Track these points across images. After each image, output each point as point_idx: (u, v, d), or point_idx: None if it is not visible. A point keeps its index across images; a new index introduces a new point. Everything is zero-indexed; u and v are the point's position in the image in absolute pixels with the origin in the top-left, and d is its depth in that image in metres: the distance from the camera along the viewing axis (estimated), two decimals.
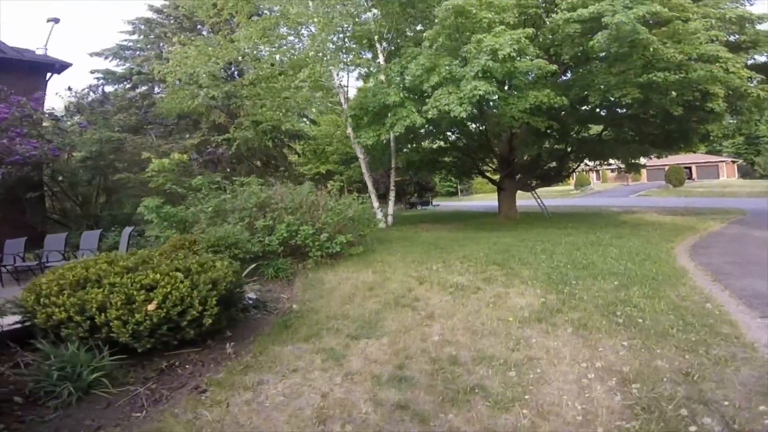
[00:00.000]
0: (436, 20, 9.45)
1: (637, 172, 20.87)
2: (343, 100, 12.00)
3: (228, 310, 4.21)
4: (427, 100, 9.22)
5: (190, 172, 10.23)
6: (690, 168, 45.43)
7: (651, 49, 9.63)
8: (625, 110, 14.22)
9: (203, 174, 10.74)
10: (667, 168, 39.36)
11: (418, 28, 11.35)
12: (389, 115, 9.60)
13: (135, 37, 16.60)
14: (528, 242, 9.03)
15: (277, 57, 11.51)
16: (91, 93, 11.96)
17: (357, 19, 11.81)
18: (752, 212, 16.76)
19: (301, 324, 4.72)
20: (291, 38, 11.75)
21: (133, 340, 3.52)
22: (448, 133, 15.86)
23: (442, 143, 17.33)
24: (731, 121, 14.39)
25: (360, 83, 13.74)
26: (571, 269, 6.45)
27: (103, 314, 3.47)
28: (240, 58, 11.65)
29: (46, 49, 11.51)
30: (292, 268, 7.19)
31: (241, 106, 12.47)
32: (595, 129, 16.85)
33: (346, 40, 12.35)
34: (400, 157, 16.96)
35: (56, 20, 11.52)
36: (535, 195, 16.03)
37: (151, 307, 3.42)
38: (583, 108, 14.60)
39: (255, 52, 11.31)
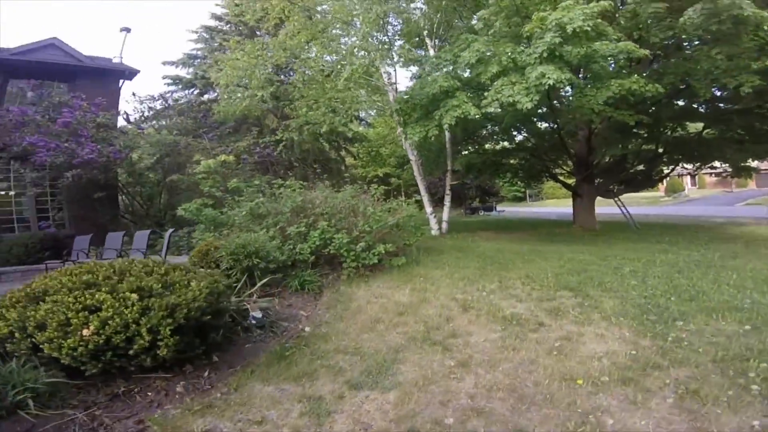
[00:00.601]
0: (491, 0, 8.07)
1: (747, 176, 17.19)
2: (392, 99, 11.00)
3: (205, 336, 3.37)
4: (485, 93, 7.85)
5: (240, 175, 9.90)
6: None
7: (765, 28, 7.46)
8: (730, 105, 11.53)
9: (254, 177, 10.37)
10: None
11: (473, 22, 10.04)
12: (439, 106, 8.36)
13: (200, 45, 17.19)
14: (611, 260, 7.24)
15: (327, 57, 10.85)
16: (155, 99, 12.37)
17: (405, 15, 10.78)
18: None
19: (301, 355, 3.75)
20: (344, 40, 11.01)
21: (75, 362, 2.88)
22: (514, 133, 14.13)
23: (506, 144, 15.58)
24: None
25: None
26: (674, 301, 4.74)
27: (40, 333, 2.83)
28: (294, 60, 11.20)
29: (122, 57, 12.05)
30: (321, 280, 6.29)
31: (293, 108, 12.04)
32: (694, 127, 14.06)
33: (397, 36, 11.38)
34: (459, 160, 15.59)
35: (128, 30, 12.05)
36: (618, 202, 13.66)
37: (86, 332, 2.76)
38: (678, 102, 12.14)
39: (304, 54, 10.76)
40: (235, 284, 5.25)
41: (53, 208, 11.07)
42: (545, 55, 7.05)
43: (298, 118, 11.49)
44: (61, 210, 11.25)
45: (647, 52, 8.63)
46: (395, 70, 11.82)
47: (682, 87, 10.08)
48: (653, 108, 11.44)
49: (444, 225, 12.59)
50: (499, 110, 7.72)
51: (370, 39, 10.10)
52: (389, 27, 11.16)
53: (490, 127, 14.11)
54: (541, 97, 7.57)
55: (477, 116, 7.88)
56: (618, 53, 7.87)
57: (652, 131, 13.46)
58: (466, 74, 9.39)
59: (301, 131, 12.04)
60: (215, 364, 3.59)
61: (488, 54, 7.70)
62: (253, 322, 4.40)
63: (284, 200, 7.49)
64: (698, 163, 15.57)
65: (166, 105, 11.93)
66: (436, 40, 11.41)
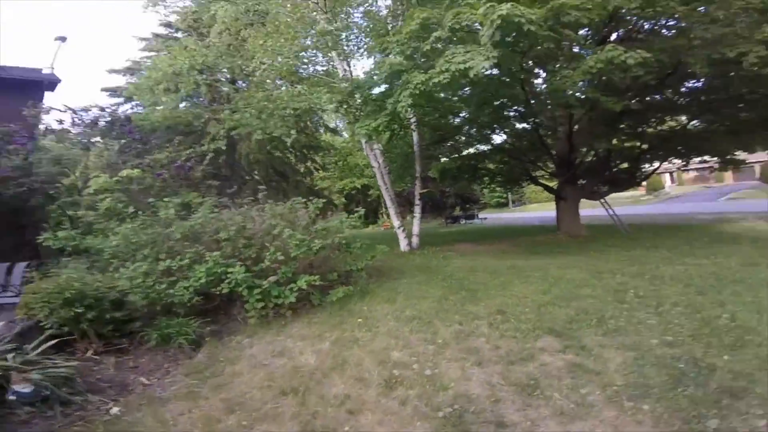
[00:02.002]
0: None
1: (735, 168, 15.63)
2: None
3: None
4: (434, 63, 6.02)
5: (157, 192, 7.92)
6: None
7: None
8: (717, 95, 9.88)
9: (178, 193, 8.38)
10: (761, 165, 31.53)
11: None
12: (393, 93, 6.47)
13: (152, 54, 15.24)
14: (608, 278, 5.41)
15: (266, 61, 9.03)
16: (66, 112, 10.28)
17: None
18: None
19: None
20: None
21: None
22: (490, 133, 12.38)
23: (483, 147, 13.85)
24: None
25: None
26: (716, 349, 2.92)
27: None
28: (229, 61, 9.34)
29: (53, 68, 10.02)
30: (207, 329, 4.35)
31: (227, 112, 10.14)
32: (676, 122, 12.51)
33: (362, 35, 9.70)
34: (434, 166, 13.81)
35: (63, 39, 10.14)
36: (605, 204, 11.93)
37: None
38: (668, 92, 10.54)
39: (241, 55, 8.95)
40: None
41: None
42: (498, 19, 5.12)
43: (225, 124, 9.52)
44: None
45: None
46: (349, 68, 9.97)
47: (669, 72, 8.37)
48: (638, 98, 9.78)
49: (414, 239, 10.71)
50: (450, 78, 5.76)
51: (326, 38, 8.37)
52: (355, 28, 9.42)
53: (466, 129, 12.36)
54: (502, 55, 5.63)
55: (426, 80, 5.88)
56: None
57: (636, 128, 11.88)
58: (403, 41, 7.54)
59: (249, 138, 10.13)
60: None
61: (433, 21, 5.91)
62: (12, 397, 2.55)
63: (176, 226, 5.49)
64: (684, 159, 13.95)
65: (78, 118, 9.87)
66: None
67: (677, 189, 40.92)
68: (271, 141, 11.73)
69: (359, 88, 7.82)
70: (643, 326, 3.52)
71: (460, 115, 11.03)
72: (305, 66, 9.70)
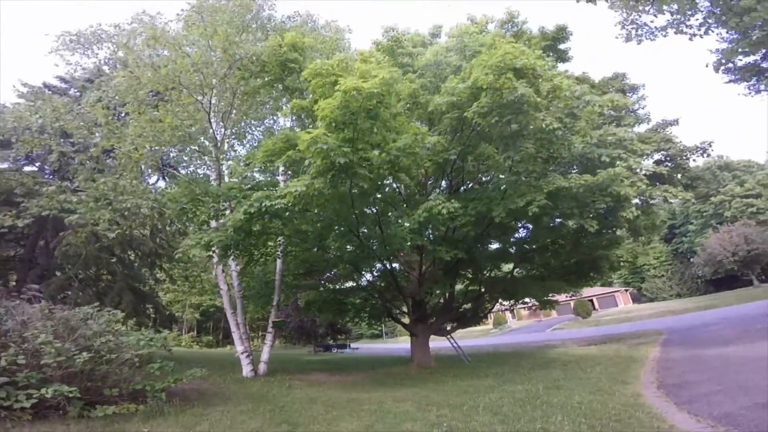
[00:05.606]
0: None
1: (552, 308, 18.37)
2: None
3: None
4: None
5: None
6: (592, 300, 45.08)
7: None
8: (533, 245, 12.13)
9: None
10: (573, 302, 38.43)
11: None
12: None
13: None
14: (432, 411, 5.25)
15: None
16: None
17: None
18: (669, 330, 14.70)
19: None
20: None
21: None
22: (358, 272, 12.70)
23: (352, 283, 13.98)
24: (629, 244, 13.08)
25: None
26: None
27: None
28: None
29: None
30: None
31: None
32: (507, 267, 14.63)
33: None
34: (303, 296, 13.24)
35: None
36: (451, 339, 12.54)
37: None
38: (491, 244, 12.53)
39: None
40: None
41: None
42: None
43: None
44: None
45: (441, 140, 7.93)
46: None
47: (488, 224, 9.76)
48: (468, 249, 11.15)
49: (262, 366, 9.45)
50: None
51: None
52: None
53: (331, 262, 12.40)
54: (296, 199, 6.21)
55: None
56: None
57: (476, 274, 13.21)
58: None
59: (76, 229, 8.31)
60: None
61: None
62: None
63: None
64: (513, 300, 15.88)
65: None
66: None
67: (517, 323, 46.35)
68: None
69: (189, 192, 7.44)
70: None
71: (329, 250, 11.16)
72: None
